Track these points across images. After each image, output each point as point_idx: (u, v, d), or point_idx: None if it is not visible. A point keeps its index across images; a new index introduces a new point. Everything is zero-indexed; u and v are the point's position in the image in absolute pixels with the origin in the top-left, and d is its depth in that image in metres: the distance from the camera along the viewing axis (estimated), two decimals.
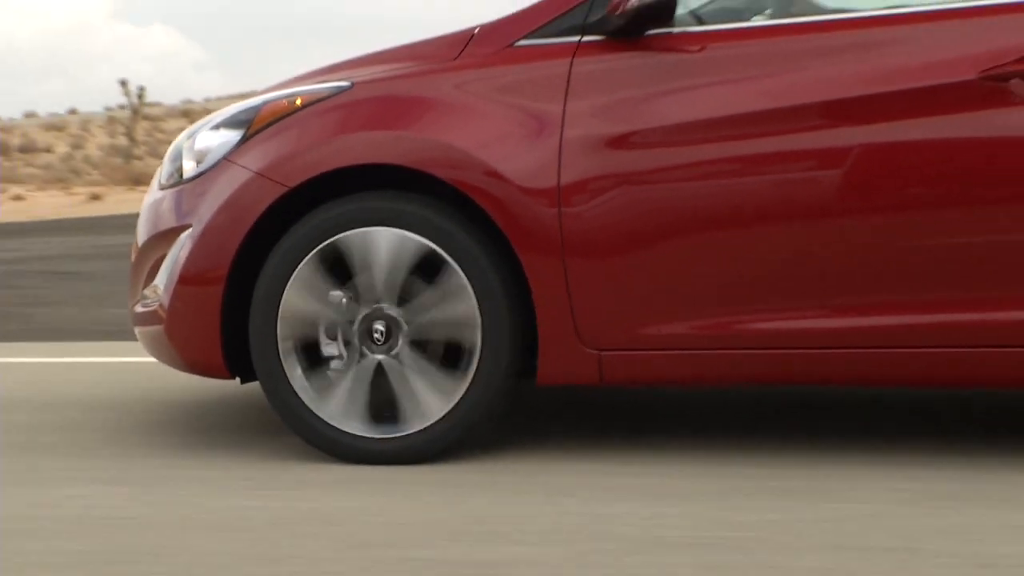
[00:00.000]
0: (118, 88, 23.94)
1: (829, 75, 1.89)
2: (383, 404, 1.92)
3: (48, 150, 26.29)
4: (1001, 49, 1.81)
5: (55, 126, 30.96)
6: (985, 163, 1.84)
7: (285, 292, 1.91)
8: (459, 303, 1.90)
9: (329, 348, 1.94)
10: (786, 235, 1.88)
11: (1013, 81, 1.79)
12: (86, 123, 31.15)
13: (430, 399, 1.92)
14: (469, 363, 1.90)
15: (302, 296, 1.92)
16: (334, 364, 1.95)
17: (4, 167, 19.13)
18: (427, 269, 1.91)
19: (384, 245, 1.91)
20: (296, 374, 1.93)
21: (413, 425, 1.92)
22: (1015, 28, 1.84)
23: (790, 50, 1.94)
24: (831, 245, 1.87)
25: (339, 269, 1.92)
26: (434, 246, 1.89)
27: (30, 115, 36.15)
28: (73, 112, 35.50)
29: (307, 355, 1.94)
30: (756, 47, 1.96)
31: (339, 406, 1.93)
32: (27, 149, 25.51)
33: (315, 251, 1.91)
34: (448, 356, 1.93)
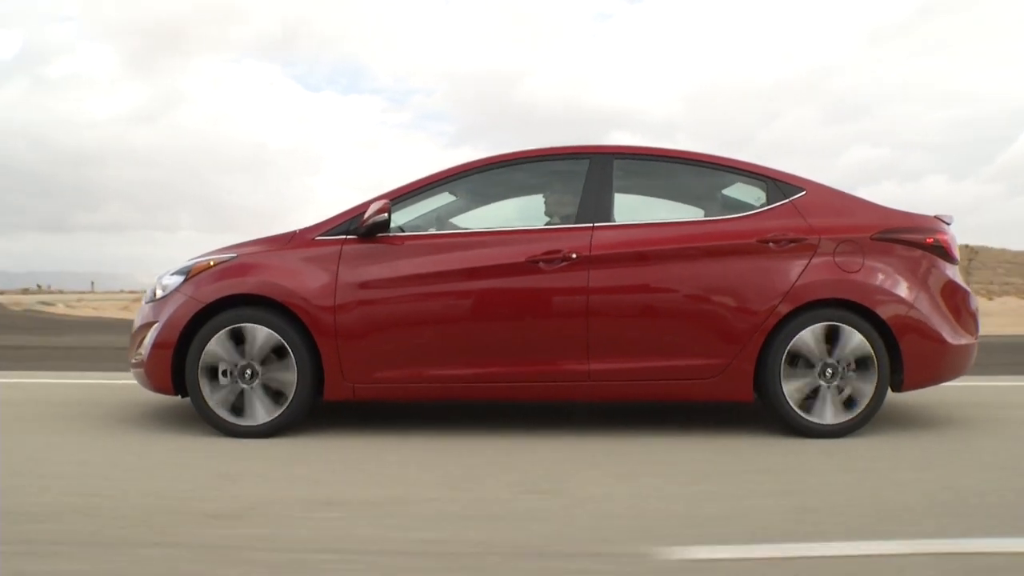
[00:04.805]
0: None
1: (463, 255, 4.11)
2: (238, 407, 4.03)
3: None
4: (534, 250, 4.07)
5: None
6: (528, 296, 4.07)
7: (203, 352, 4.02)
8: (289, 374, 4.02)
9: (223, 379, 4.04)
10: (443, 330, 4.03)
11: (540, 263, 4.04)
12: None
13: (261, 412, 4.03)
14: (287, 400, 4.01)
15: (212, 354, 4.03)
16: (223, 382, 4.04)
17: None
18: (280, 351, 4.02)
19: (260, 334, 4.03)
20: (206, 390, 4.03)
21: (248, 422, 4.02)
22: (538, 241, 4.10)
23: (445, 243, 4.17)
24: (462, 334, 4.05)
25: (233, 342, 4.04)
26: (283, 340, 4.01)
27: None
28: None
29: (209, 380, 4.04)
30: (430, 241, 4.18)
31: (218, 402, 4.01)
32: None
33: (222, 331, 4.03)
34: (276, 395, 4.04)
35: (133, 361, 4.21)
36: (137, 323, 4.24)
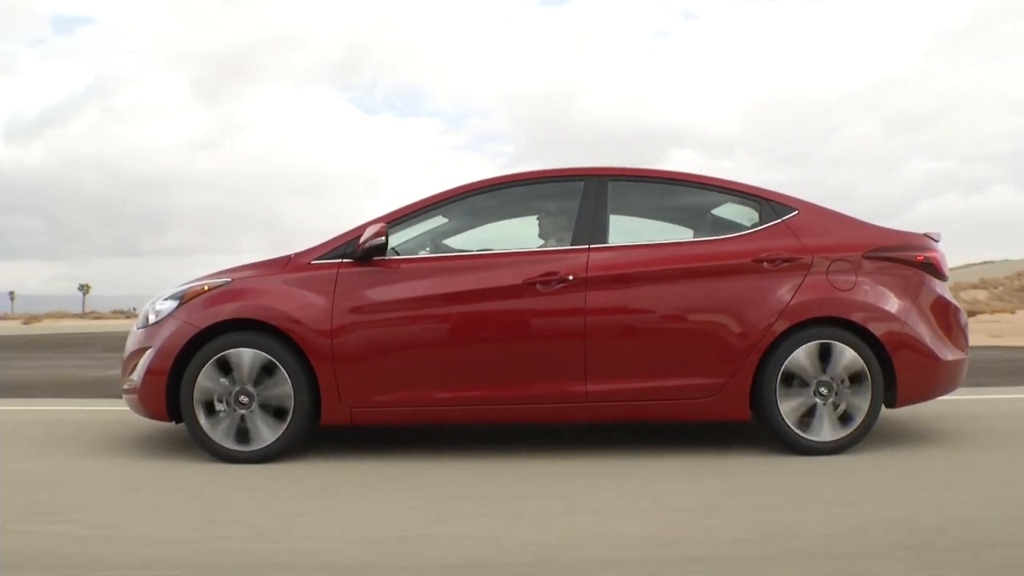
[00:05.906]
0: None
1: (460, 278, 4.10)
2: (242, 433, 3.99)
3: None
4: (531, 272, 4.07)
5: None
6: (525, 318, 4.07)
7: (198, 377, 3.98)
8: (286, 399, 3.99)
9: (219, 405, 4.00)
10: (440, 353, 4.02)
11: (537, 285, 4.05)
12: None
13: (266, 433, 3.99)
14: (288, 417, 3.99)
15: (206, 379, 3.99)
16: (220, 413, 4.01)
17: None
18: (270, 369, 3.99)
19: (249, 357, 4.00)
20: (201, 418, 3.99)
21: (255, 445, 3.99)
22: (535, 263, 4.11)
23: (442, 266, 4.17)
24: (459, 357, 4.04)
25: (226, 368, 4.00)
26: (272, 359, 3.98)
27: None
28: None
29: (206, 409, 4.00)
30: (426, 264, 4.18)
31: (222, 434, 3.98)
32: None
33: (215, 357, 4.00)
34: (277, 412, 4.01)
35: (125, 387, 4.16)
36: (129, 349, 4.19)
